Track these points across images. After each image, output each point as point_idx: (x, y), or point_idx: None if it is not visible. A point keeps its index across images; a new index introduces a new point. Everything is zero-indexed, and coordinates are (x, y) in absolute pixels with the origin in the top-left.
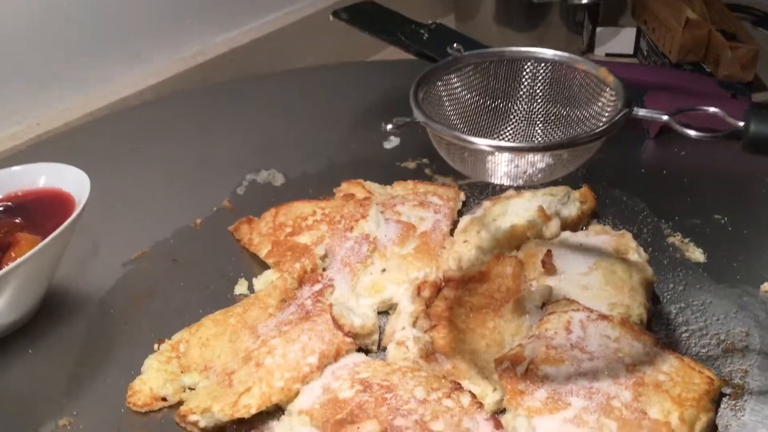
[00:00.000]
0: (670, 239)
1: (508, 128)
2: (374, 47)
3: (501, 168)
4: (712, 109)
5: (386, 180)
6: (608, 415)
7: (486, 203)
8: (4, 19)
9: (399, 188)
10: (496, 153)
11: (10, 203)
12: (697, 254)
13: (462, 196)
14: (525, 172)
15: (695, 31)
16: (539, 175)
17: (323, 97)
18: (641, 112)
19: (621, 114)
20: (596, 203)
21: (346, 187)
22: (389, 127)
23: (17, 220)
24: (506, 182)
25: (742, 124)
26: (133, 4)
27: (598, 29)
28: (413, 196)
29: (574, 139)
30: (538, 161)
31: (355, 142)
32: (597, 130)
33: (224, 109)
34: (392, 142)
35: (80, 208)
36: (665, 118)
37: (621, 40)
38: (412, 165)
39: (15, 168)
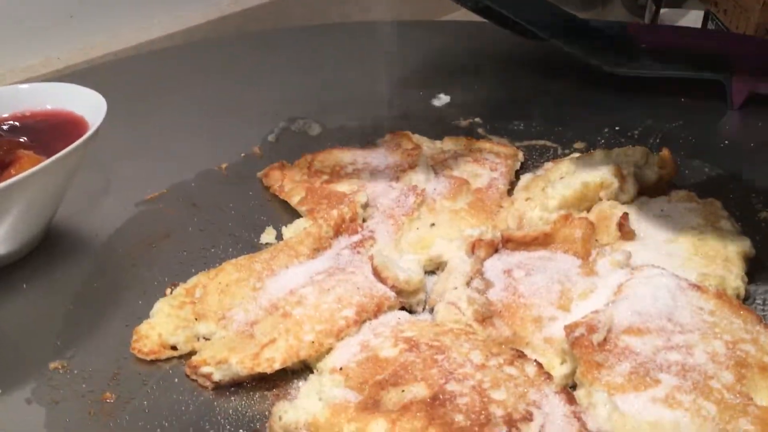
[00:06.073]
0: (763, 214)
1: None
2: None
3: None
4: None
5: (435, 137)
6: (707, 396)
7: (548, 164)
8: None
9: (450, 143)
10: None
11: (16, 122)
12: None
13: (520, 155)
14: None
15: None
16: None
17: (368, 53)
18: None
19: None
20: (676, 172)
21: (390, 138)
22: None
23: (22, 139)
24: None
25: None
26: None
27: (663, 11)
28: (467, 152)
29: None
30: None
31: (401, 98)
32: None
33: (261, 59)
34: (442, 100)
35: (93, 130)
36: None
37: (687, 23)
38: (464, 123)
39: (23, 86)
